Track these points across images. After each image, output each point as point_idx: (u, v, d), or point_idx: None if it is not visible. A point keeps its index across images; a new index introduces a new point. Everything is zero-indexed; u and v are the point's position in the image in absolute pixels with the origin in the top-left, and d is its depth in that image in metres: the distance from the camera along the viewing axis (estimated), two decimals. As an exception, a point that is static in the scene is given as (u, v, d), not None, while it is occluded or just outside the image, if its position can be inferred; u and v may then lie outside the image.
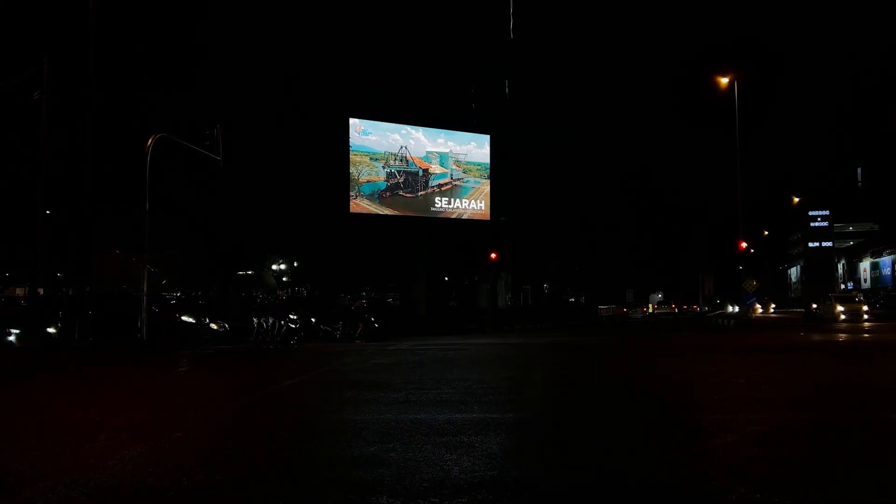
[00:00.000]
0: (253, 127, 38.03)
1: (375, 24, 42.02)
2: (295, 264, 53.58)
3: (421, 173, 36.66)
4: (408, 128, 36.30)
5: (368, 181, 35.04)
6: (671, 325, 48.11)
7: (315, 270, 48.65)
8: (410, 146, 36.31)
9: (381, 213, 35.70)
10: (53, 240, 27.73)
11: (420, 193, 36.61)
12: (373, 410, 8.62)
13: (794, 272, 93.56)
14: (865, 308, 36.02)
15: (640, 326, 45.46)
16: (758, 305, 59.03)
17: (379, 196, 35.53)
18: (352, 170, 34.51)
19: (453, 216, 37.62)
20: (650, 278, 65.93)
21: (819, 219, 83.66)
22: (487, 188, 38.49)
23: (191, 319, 22.10)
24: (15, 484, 5.57)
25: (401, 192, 36.09)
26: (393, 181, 35.73)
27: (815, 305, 41.53)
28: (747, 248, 40.71)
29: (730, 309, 41.10)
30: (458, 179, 37.83)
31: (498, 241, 42.51)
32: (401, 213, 36.16)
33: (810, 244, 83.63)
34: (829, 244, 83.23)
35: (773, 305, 45.33)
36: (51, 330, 21.44)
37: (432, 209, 36.81)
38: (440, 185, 37.23)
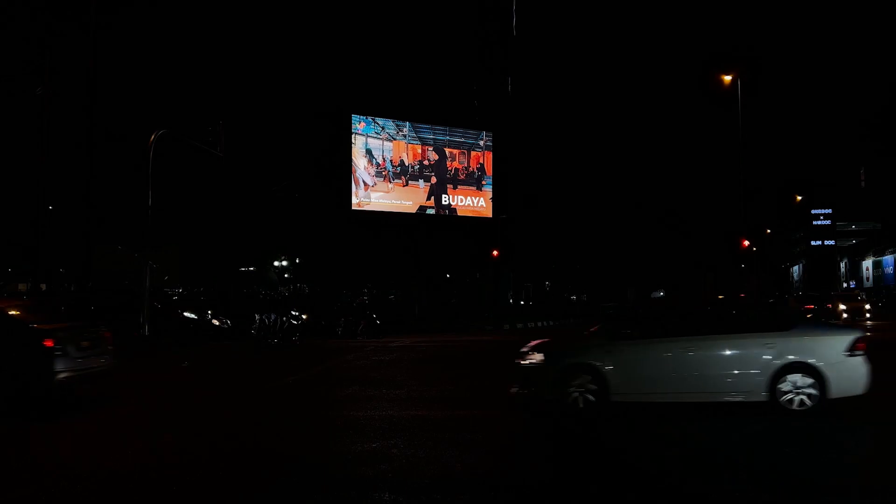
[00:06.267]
0: (256, 124, 38.08)
1: (378, 22, 42.09)
2: (297, 261, 53.65)
3: (422, 170, 36.59)
4: (410, 124, 36.24)
5: (370, 178, 35.00)
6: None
7: (316, 267, 48.69)
8: (412, 143, 36.28)
9: (382, 210, 35.62)
10: (56, 235, 27.74)
11: (421, 190, 36.55)
12: (375, 406, 8.63)
13: (796, 270, 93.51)
14: (867, 306, 35.98)
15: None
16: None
17: (380, 193, 35.47)
18: (353, 166, 34.48)
19: (455, 213, 37.57)
20: (652, 276, 65.74)
21: (821, 217, 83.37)
22: (489, 185, 38.44)
23: (193, 315, 22.06)
24: (19, 479, 5.60)
25: (402, 189, 36.02)
26: (394, 178, 35.67)
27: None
28: (749, 247, 40.59)
29: None
30: (460, 176, 37.80)
31: (499, 238, 42.44)
32: (402, 211, 36.05)
33: (812, 242, 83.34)
34: (832, 243, 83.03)
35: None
36: None
37: (433, 206, 36.76)
38: (442, 182, 37.17)
